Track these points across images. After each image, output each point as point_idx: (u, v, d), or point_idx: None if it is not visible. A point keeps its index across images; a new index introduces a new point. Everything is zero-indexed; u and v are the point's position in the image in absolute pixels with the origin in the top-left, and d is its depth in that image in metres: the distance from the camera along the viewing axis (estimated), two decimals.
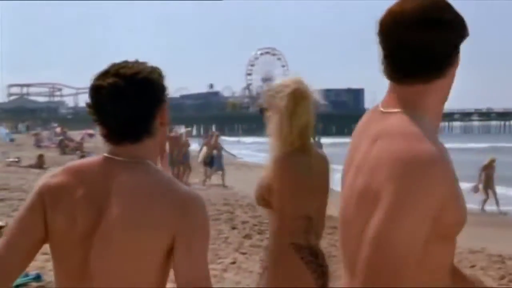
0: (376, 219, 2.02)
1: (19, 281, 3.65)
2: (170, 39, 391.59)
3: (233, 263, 9.93)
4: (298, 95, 3.98)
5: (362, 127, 2.32)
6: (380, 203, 2.02)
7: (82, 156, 33.74)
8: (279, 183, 3.89)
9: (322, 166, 4.06)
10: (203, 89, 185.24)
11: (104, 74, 2.32)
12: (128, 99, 2.30)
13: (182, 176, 23.13)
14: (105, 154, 2.38)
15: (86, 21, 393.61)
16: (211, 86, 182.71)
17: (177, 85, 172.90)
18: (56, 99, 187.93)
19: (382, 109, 2.24)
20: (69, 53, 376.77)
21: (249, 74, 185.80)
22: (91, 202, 2.29)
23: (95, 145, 51.39)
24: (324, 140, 45.57)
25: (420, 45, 2.10)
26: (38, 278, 8.02)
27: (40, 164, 27.75)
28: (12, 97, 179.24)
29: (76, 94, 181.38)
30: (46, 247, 2.38)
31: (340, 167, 2.43)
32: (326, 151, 4.62)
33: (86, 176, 2.34)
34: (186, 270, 2.22)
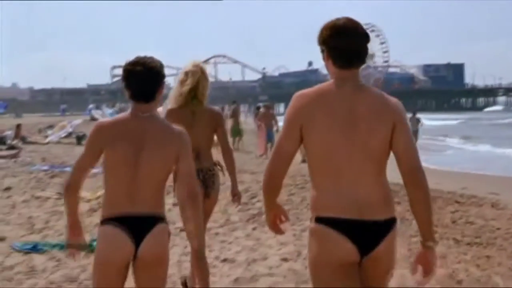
0: (405, 139, 3.82)
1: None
2: (269, 19, 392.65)
3: None
4: (188, 74, 6.37)
5: (343, 97, 3.84)
6: (402, 130, 3.81)
7: None
8: None
9: (205, 117, 6.39)
10: (302, 67, 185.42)
11: (134, 63, 4.23)
12: (146, 80, 4.24)
13: None
14: (131, 111, 4.29)
15: (185, 4, 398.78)
16: (310, 63, 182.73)
17: (276, 63, 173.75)
18: None
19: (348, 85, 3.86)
20: (169, 34, 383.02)
21: None
22: (129, 137, 4.20)
23: None
24: (424, 116, 45.38)
25: (367, 46, 3.89)
26: None
27: None
28: (115, 79, 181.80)
29: (177, 74, 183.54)
30: None
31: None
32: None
33: (125, 122, 4.28)
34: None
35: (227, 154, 6.53)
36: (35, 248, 8.46)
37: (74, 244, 4.50)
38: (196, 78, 6.33)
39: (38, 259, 8.04)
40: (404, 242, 9.65)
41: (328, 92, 3.84)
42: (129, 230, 4.14)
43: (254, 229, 10.13)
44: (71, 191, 4.35)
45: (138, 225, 4.16)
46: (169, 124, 4.40)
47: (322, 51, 3.92)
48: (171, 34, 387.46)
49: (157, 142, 4.22)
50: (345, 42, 3.81)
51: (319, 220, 3.82)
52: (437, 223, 11.49)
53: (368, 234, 3.76)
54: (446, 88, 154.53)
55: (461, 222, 11.74)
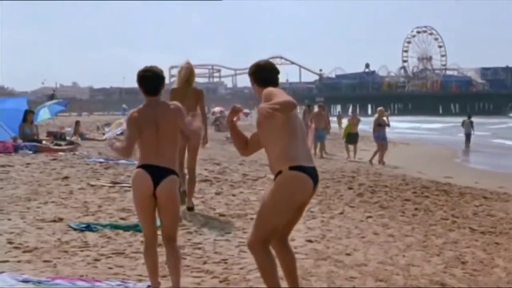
0: None
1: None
2: (325, 20, 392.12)
3: (341, 213, 11.44)
4: (183, 68, 10.98)
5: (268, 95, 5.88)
6: None
7: None
8: (170, 97, 7.56)
9: (191, 93, 10.75)
10: (359, 68, 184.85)
11: (146, 70, 6.31)
12: (154, 81, 6.31)
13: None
14: (145, 103, 6.28)
15: (243, 5, 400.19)
16: (367, 65, 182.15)
17: (333, 65, 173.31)
18: (215, 79, 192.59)
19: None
20: (227, 35, 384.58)
21: (406, 52, 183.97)
22: (149, 118, 6.22)
23: (250, 123, 53.65)
24: (478, 120, 44.79)
25: (278, 76, 6.36)
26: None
27: None
28: (173, 79, 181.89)
29: (234, 75, 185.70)
30: None
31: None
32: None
33: (144, 110, 6.27)
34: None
35: (203, 117, 10.60)
36: (88, 227, 9.42)
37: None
38: (188, 71, 10.97)
39: (90, 236, 8.99)
40: (422, 230, 10.49)
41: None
42: (150, 174, 6.14)
43: None
44: (125, 153, 6.33)
45: (157, 172, 6.16)
46: (167, 103, 6.39)
47: (251, 79, 6.24)
48: (228, 35, 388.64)
49: (165, 117, 6.24)
50: (264, 75, 6.16)
51: (293, 168, 5.71)
52: (459, 214, 12.26)
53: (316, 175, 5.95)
54: (505, 92, 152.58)
55: (483, 214, 12.48)
